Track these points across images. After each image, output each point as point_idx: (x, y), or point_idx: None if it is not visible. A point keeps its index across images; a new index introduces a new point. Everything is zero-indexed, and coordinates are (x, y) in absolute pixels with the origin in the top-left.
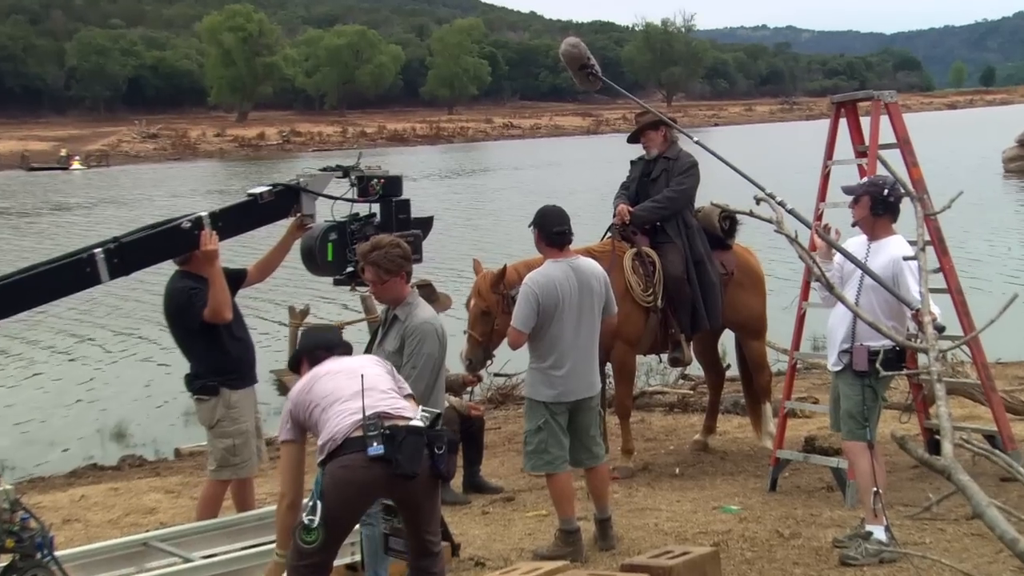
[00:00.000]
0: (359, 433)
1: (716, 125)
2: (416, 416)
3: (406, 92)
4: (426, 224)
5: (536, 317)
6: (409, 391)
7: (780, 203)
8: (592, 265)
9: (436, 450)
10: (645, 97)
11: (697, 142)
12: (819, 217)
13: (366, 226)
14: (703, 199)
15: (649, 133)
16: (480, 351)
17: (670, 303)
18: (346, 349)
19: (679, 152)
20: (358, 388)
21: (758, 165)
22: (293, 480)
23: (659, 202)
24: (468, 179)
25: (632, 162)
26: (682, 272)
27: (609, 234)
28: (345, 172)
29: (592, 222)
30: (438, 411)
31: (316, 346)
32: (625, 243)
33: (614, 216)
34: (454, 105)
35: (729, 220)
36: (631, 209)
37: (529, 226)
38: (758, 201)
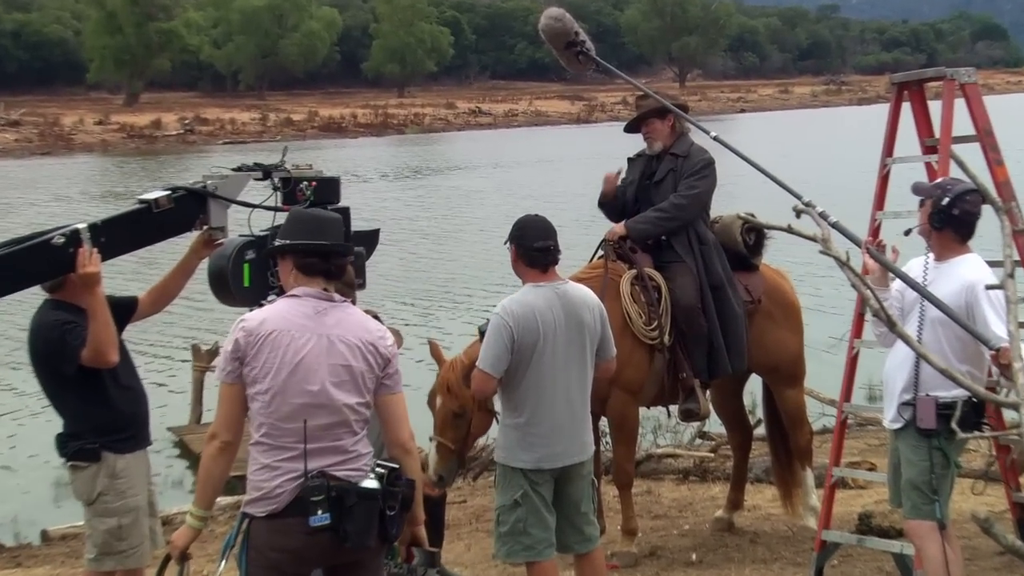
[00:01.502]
0: (300, 494)
1: (743, 111)
2: (370, 465)
3: (344, 69)
4: (370, 239)
5: (510, 357)
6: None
7: (821, 214)
8: (584, 293)
9: (388, 511)
10: (653, 76)
11: (715, 138)
12: (875, 231)
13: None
14: (723, 209)
15: (653, 122)
16: (453, 462)
17: (680, 340)
18: (347, 279)
19: (690, 147)
20: (311, 403)
21: (797, 164)
22: (229, 418)
23: (664, 211)
24: (427, 180)
25: (630, 159)
26: (695, 300)
27: (601, 253)
28: (266, 173)
29: (585, 236)
30: (395, 466)
31: (311, 237)
32: (621, 263)
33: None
34: (406, 85)
35: (754, 233)
36: (627, 224)
37: (505, 243)
38: (799, 214)
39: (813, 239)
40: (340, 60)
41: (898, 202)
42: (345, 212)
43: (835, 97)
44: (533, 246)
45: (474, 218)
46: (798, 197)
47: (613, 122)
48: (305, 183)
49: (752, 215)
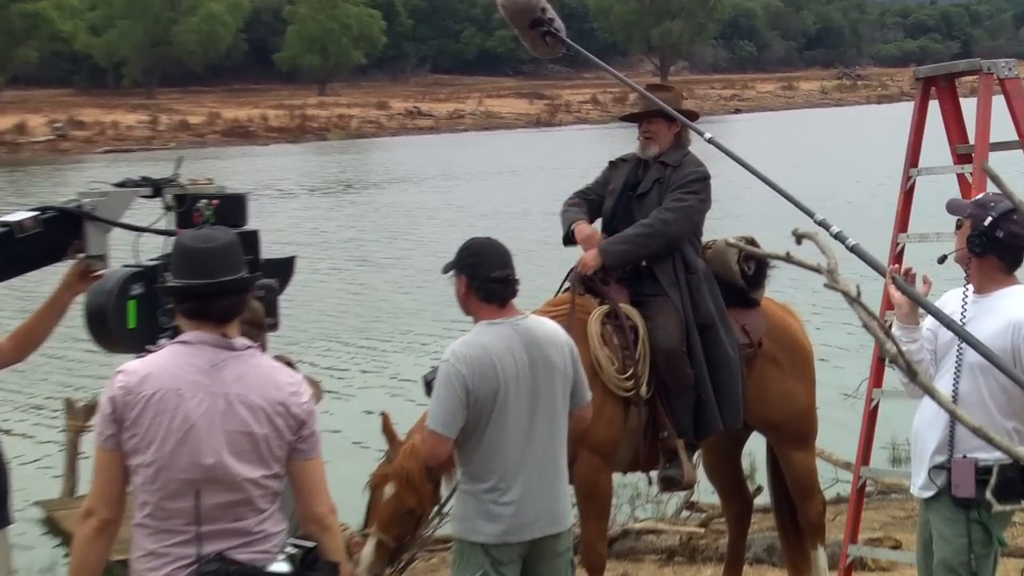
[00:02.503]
0: None
1: (737, 112)
2: (280, 546)
3: (253, 61)
4: (284, 269)
5: (465, 412)
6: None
7: (838, 235)
8: (549, 328)
9: None
10: (628, 69)
11: (710, 140)
12: (898, 257)
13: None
14: (718, 231)
15: (658, 122)
16: (386, 561)
17: (661, 392)
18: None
19: (684, 157)
20: (204, 478)
21: (805, 174)
22: (107, 491)
23: (646, 227)
24: (360, 196)
25: (612, 163)
26: (680, 342)
27: (567, 285)
28: (156, 189)
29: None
30: (310, 545)
31: (191, 274)
32: (591, 298)
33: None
34: (328, 81)
35: (754, 262)
36: (602, 247)
37: (446, 271)
38: (799, 239)
39: (816, 270)
40: (247, 50)
41: (924, 222)
42: (253, 236)
43: (849, 94)
44: (490, 276)
45: (423, 240)
46: (810, 214)
47: (581, 126)
48: (204, 202)
49: (750, 240)
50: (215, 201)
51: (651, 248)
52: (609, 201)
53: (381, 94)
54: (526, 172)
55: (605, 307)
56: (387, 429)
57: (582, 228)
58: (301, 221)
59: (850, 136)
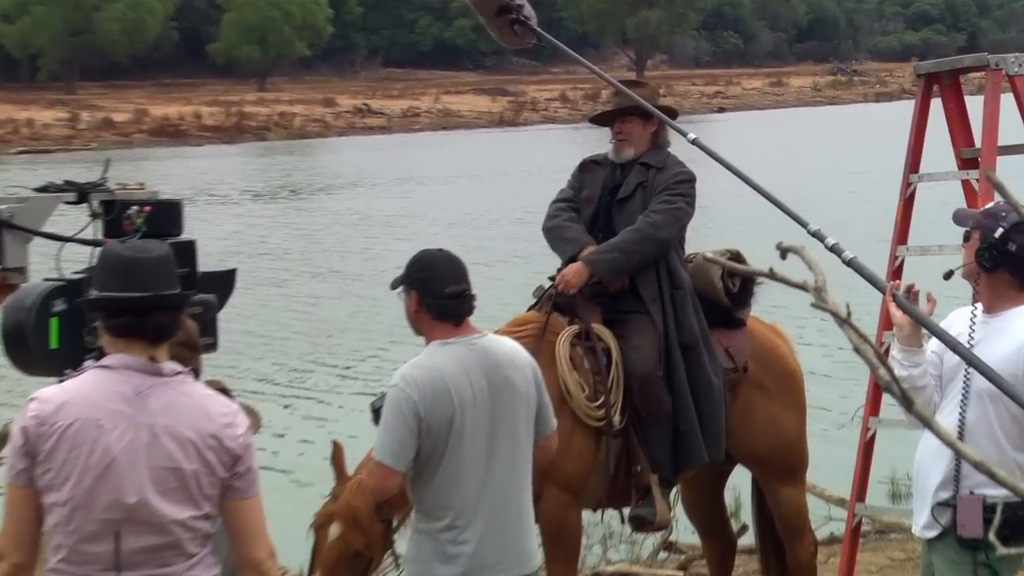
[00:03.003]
0: None
1: (721, 111)
2: None
3: (184, 53)
4: (224, 283)
5: (417, 442)
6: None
7: (833, 248)
8: (509, 348)
9: None
10: (601, 62)
11: (694, 141)
12: (898, 271)
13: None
14: (700, 243)
15: (633, 121)
16: None
17: (635, 421)
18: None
19: (667, 158)
20: (126, 519)
21: (795, 181)
22: (20, 531)
23: (636, 233)
24: (308, 202)
25: (583, 165)
26: (656, 366)
27: (539, 295)
28: (81, 194)
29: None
30: None
31: (122, 286)
32: (560, 317)
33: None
34: (269, 75)
35: (740, 278)
36: (587, 259)
37: (395, 287)
38: (783, 253)
39: (802, 287)
40: (178, 41)
41: (926, 233)
42: (189, 247)
43: (845, 91)
44: (444, 292)
45: (378, 251)
46: (803, 224)
47: (549, 125)
48: (135, 208)
49: (734, 253)
50: (147, 208)
51: (642, 255)
52: (587, 209)
53: (327, 90)
54: (489, 177)
55: (575, 327)
56: (336, 461)
57: (570, 272)
58: (242, 230)
59: (846, 138)
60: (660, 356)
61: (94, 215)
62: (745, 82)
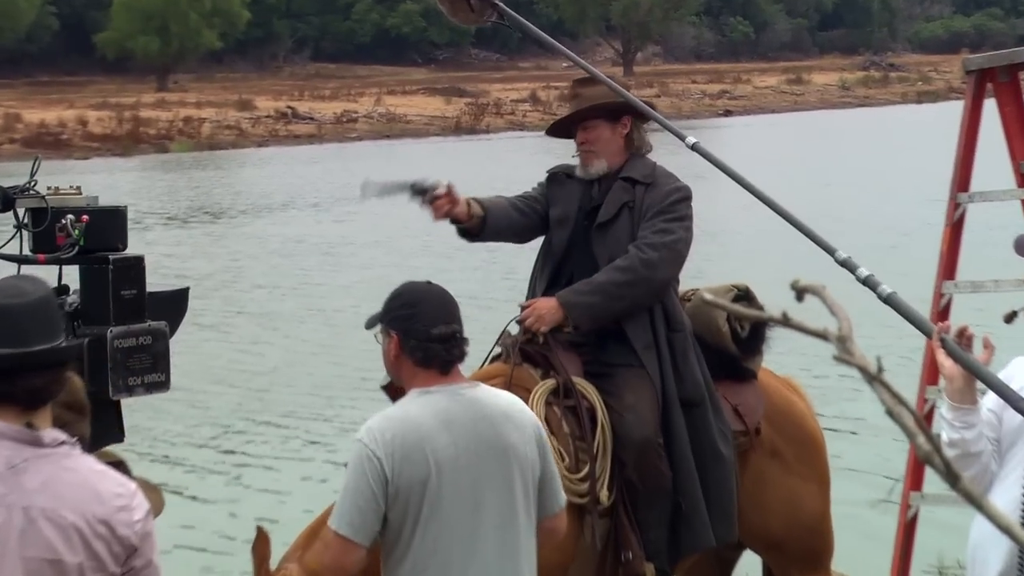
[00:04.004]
0: None
1: (727, 114)
2: None
3: (66, 44)
4: (174, 305)
5: (381, 509)
6: None
7: (867, 281)
8: (506, 401)
9: None
10: (580, 55)
11: (694, 147)
12: (945, 311)
13: None
14: (696, 273)
15: (597, 125)
16: None
17: (626, 497)
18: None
19: (654, 170)
20: None
21: (820, 199)
22: None
23: (624, 273)
24: (235, 226)
25: (552, 177)
26: (655, 431)
27: (499, 349)
28: (5, 200)
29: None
30: None
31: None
32: (531, 368)
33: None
34: (172, 72)
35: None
36: (562, 298)
37: (371, 326)
38: (799, 293)
39: (822, 336)
40: (58, 30)
41: (978, 264)
42: (137, 265)
43: (879, 90)
44: (431, 333)
45: (322, 285)
46: (830, 252)
47: (516, 133)
48: (70, 217)
49: (742, 290)
50: (85, 217)
51: (632, 300)
52: (560, 233)
53: (244, 89)
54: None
55: (550, 382)
56: (259, 550)
57: (533, 311)
58: (153, 262)
59: (881, 148)
60: (659, 418)
61: (20, 226)
62: (757, 79)
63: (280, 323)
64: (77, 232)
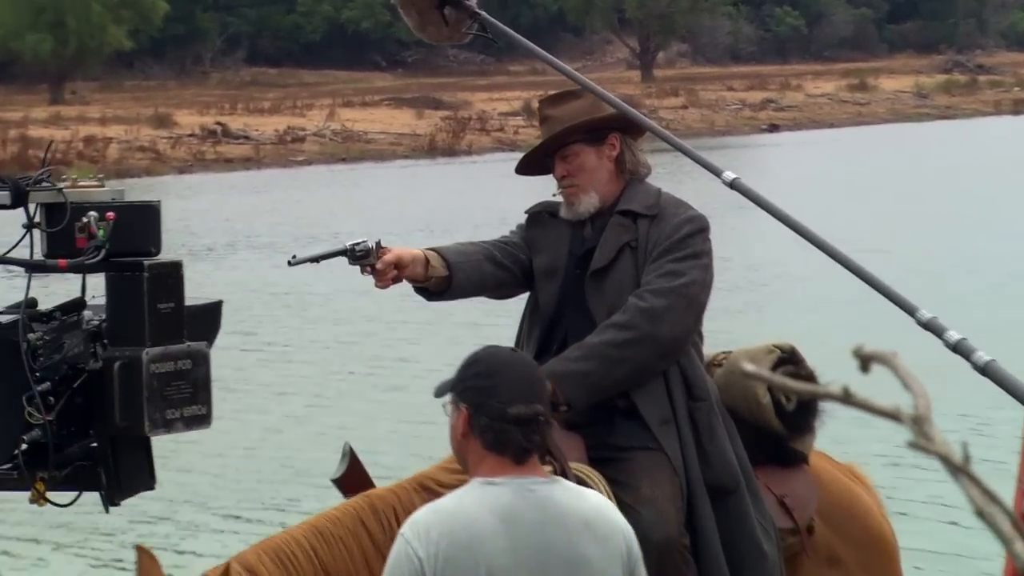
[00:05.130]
0: None
1: (773, 129)
2: None
3: None
4: (209, 324)
5: None
6: None
7: (957, 347)
8: (591, 504)
9: None
10: (587, 55)
11: (734, 184)
12: None
13: (67, 331)
14: (731, 332)
15: (580, 151)
16: None
17: None
18: None
19: (659, 198)
20: None
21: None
22: None
23: (624, 332)
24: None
25: (533, 218)
26: (678, 529)
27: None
28: (17, 193)
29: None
30: None
31: None
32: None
33: None
34: (68, 79)
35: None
36: (550, 370)
37: (440, 395)
38: (864, 362)
39: (893, 417)
40: None
41: None
42: (174, 272)
43: (964, 98)
44: (508, 412)
45: (298, 344)
46: (910, 311)
47: (505, 154)
48: (94, 215)
49: (787, 351)
50: (110, 214)
51: (636, 364)
52: (548, 287)
53: (161, 101)
54: (421, 234)
55: (548, 467)
56: (145, 567)
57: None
58: None
59: (968, 171)
60: (682, 512)
61: (31, 224)
62: (810, 85)
63: (232, 401)
64: (102, 232)
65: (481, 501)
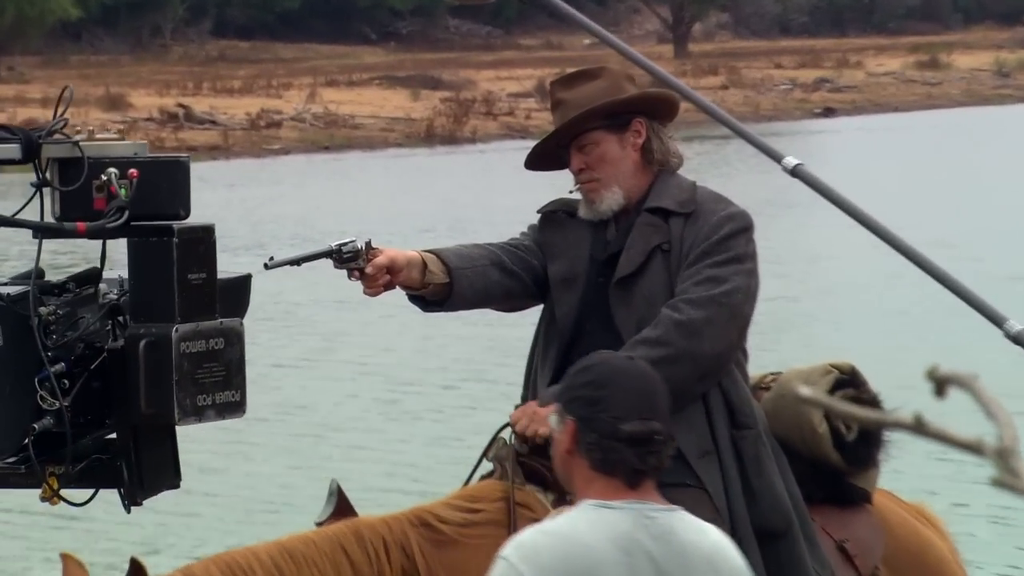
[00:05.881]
0: None
1: (829, 113)
2: None
3: None
4: (239, 298)
5: None
6: None
7: None
8: (712, 541)
9: None
10: (612, 26)
11: (796, 171)
12: None
13: (83, 305)
14: (779, 350)
15: (600, 139)
16: None
17: None
18: None
19: (694, 192)
20: None
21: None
22: None
23: (655, 348)
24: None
25: (547, 218)
26: None
27: (491, 463)
28: (28, 145)
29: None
30: None
31: None
32: (536, 491)
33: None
34: (5, 53)
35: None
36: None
37: (561, 406)
38: (939, 385)
39: (974, 449)
40: None
41: None
42: (206, 237)
43: None
44: (619, 429)
45: (287, 366)
46: (997, 322)
47: (516, 142)
48: (113, 172)
49: (846, 372)
50: (133, 171)
51: (670, 387)
52: (566, 298)
53: (113, 79)
54: (421, 238)
55: (566, 508)
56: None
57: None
58: None
59: None
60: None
61: (40, 183)
62: (872, 62)
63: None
64: (124, 192)
65: (596, 526)
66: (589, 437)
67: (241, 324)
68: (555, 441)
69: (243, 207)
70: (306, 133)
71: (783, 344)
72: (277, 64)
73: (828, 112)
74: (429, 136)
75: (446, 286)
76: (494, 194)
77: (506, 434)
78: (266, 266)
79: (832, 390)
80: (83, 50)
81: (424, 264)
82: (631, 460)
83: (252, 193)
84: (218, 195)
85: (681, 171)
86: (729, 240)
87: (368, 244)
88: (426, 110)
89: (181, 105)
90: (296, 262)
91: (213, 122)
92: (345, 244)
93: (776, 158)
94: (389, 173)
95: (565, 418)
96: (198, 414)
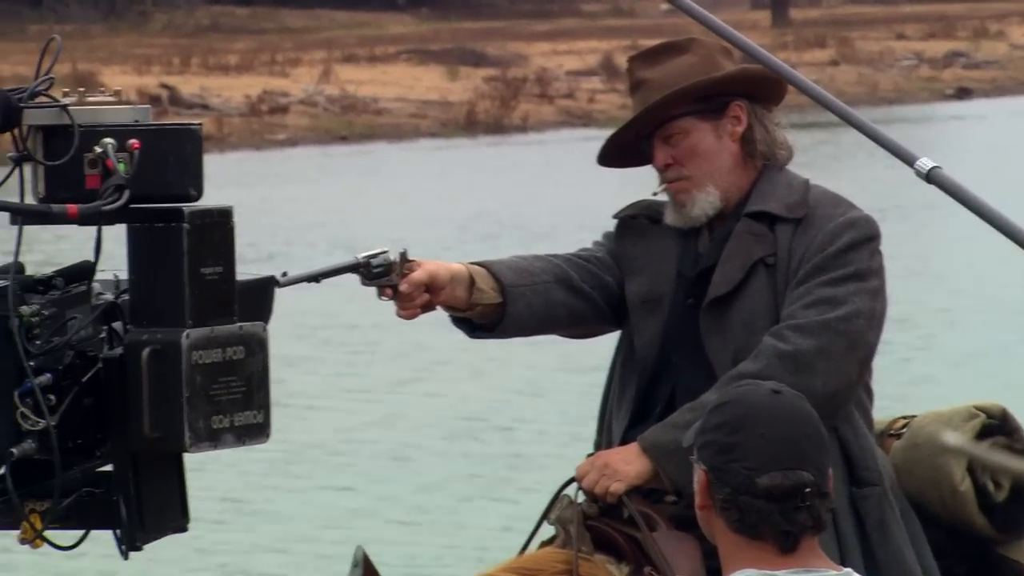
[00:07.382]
0: None
1: (964, 95)
2: None
3: None
4: (262, 302)
5: None
6: None
7: None
8: None
9: None
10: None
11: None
12: None
13: (72, 306)
14: (904, 383)
15: (687, 128)
16: None
17: None
18: None
19: (805, 192)
20: None
21: None
22: None
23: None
24: None
25: (625, 224)
26: None
27: (553, 527)
28: (7, 110)
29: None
30: None
31: None
32: (607, 558)
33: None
34: None
35: (1010, 476)
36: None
37: (694, 449)
38: None
39: None
40: None
41: None
42: (223, 221)
43: None
44: (756, 483)
45: (310, 393)
46: None
47: (576, 131)
48: (110, 143)
49: (996, 415)
50: (135, 142)
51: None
52: (648, 323)
53: (83, 53)
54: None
55: (648, 570)
56: None
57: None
58: None
59: None
60: None
61: (20, 156)
62: (1017, 31)
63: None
64: (123, 166)
65: None
66: (722, 492)
67: (264, 329)
68: (698, 486)
69: (241, 211)
70: (318, 120)
71: (916, 382)
72: (283, 35)
73: (962, 93)
74: (470, 124)
75: (498, 307)
76: (550, 201)
77: (572, 491)
78: (278, 283)
79: (978, 437)
80: (44, 18)
81: (472, 280)
82: (775, 520)
83: (252, 193)
84: (210, 196)
85: (790, 166)
86: (849, 252)
87: (403, 256)
88: (466, 92)
89: (165, 86)
90: (315, 278)
91: (204, 106)
92: (375, 256)
93: (908, 160)
94: (421, 169)
95: (700, 465)
96: (213, 439)
